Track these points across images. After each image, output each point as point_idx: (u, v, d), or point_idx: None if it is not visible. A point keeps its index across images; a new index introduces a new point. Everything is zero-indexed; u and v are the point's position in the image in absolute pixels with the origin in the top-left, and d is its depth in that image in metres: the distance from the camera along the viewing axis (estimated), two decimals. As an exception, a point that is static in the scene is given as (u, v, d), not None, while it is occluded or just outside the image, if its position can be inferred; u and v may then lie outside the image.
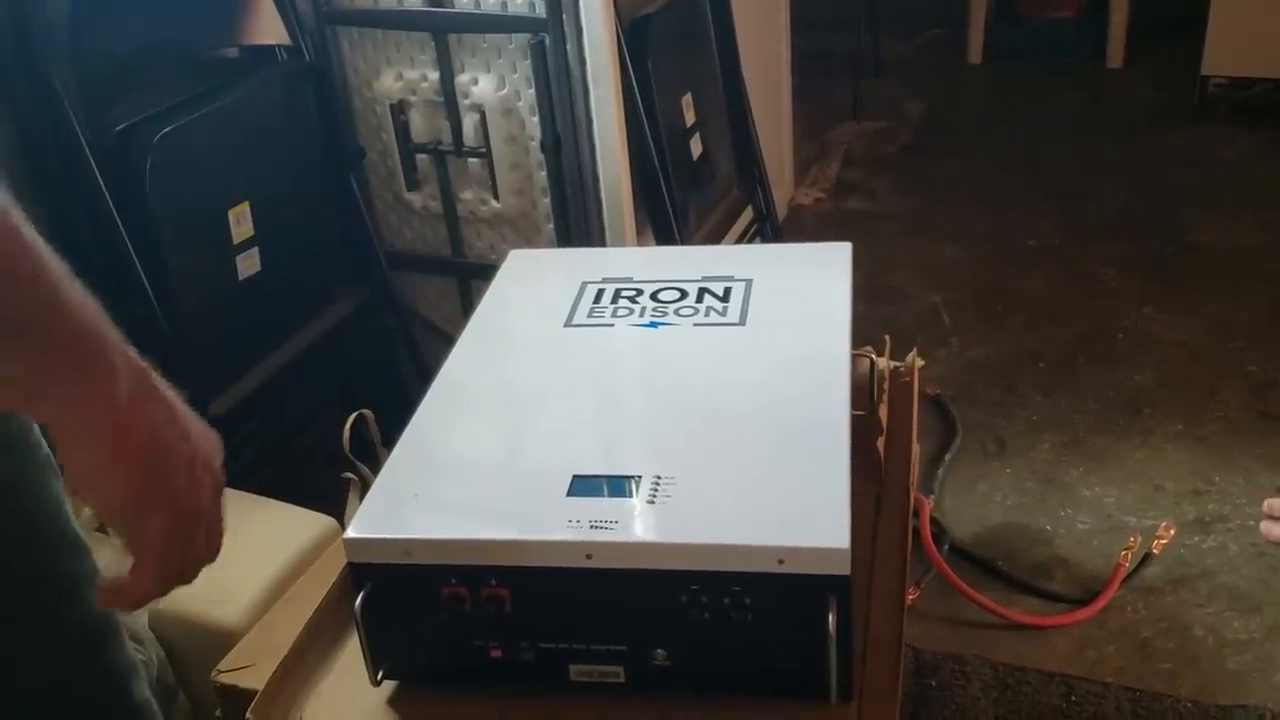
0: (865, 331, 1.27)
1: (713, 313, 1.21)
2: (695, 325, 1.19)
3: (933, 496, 2.10)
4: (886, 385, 1.33)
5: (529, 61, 1.90)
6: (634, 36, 2.08)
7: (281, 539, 1.51)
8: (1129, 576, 1.90)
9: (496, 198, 2.05)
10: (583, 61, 1.89)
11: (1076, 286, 2.79)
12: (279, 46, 1.92)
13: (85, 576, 0.83)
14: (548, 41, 1.88)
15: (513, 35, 1.91)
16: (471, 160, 2.04)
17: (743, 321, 1.19)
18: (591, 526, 0.92)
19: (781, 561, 0.88)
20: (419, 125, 2.04)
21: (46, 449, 0.81)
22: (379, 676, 0.99)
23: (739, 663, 0.94)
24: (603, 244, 2.03)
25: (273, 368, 1.89)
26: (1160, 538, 1.95)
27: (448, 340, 1.23)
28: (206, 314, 1.73)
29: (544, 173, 1.99)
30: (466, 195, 2.09)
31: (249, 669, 1.12)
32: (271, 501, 1.59)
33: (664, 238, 2.17)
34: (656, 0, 2.20)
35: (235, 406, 1.78)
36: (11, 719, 0.83)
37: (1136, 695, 1.68)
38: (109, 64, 1.65)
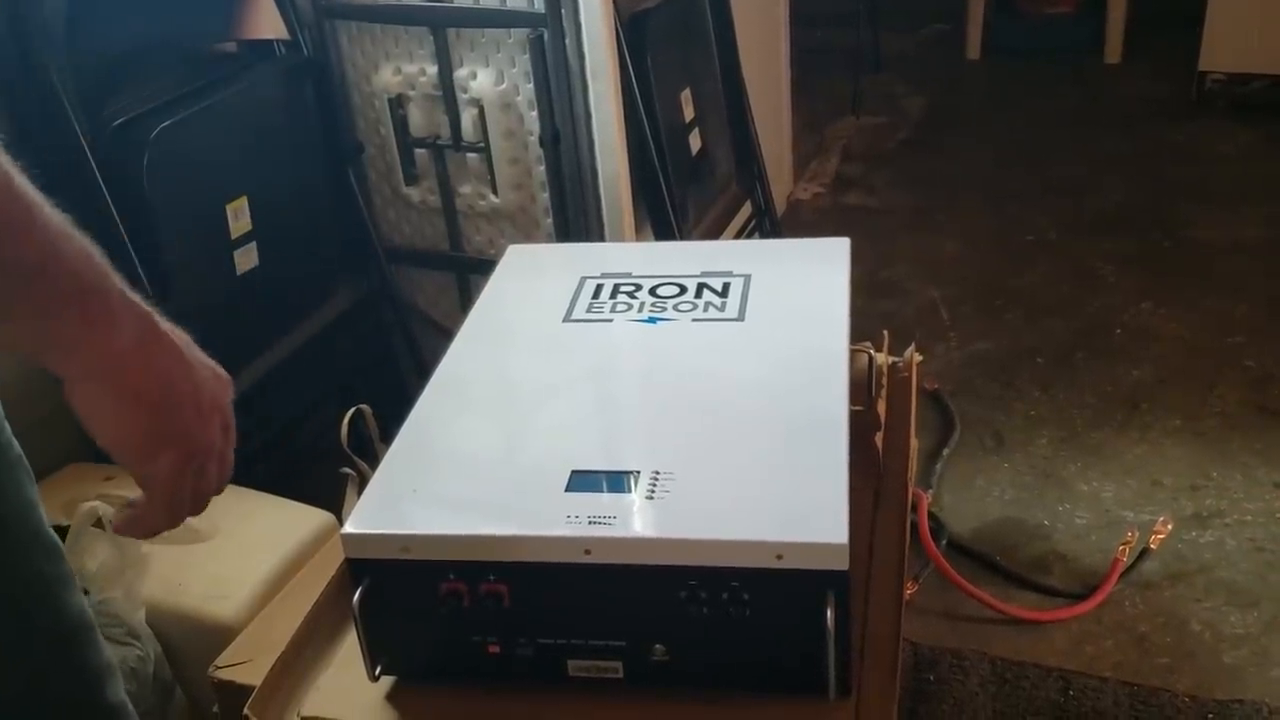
0: (864, 327, 1.27)
1: (711, 308, 1.21)
2: (694, 320, 1.19)
3: (931, 491, 2.10)
4: (885, 380, 1.33)
5: (528, 56, 1.90)
6: (633, 31, 2.08)
7: (279, 534, 1.51)
8: (1127, 571, 1.90)
9: (495, 192, 2.05)
10: (581, 56, 1.89)
11: (1075, 281, 2.79)
12: (277, 41, 1.92)
13: (58, 578, 0.83)
14: (546, 36, 1.87)
15: (511, 30, 1.91)
16: (470, 155, 2.04)
17: (741, 317, 1.19)
18: (590, 522, 0.92)
19: (780, 557, 0.88)
20: (417, 120, 2.04)
21: (18, 449, 0.81)
22: (377, 672, 0.99)
23: (737, 658, 0.94)
24: (601, 239, 2.02)
25: (270, 363, 1.89)
26: (1158, 533, 1.96)
27: (446, 335, 1.23)
28: (204, 309, 1.73)
29: (543, 167, 1.99)
30: (465, 190, 2.08)
31: (246, 664, 1.12)
32: (269, 496, 1.59)
33: (663, 233, 2.17)
34: (655, -5, 2.19)
35: (233, 401, 1.77)
36: None
37: (1134, 690, 1.68)
38: (106, 58, 1.65)
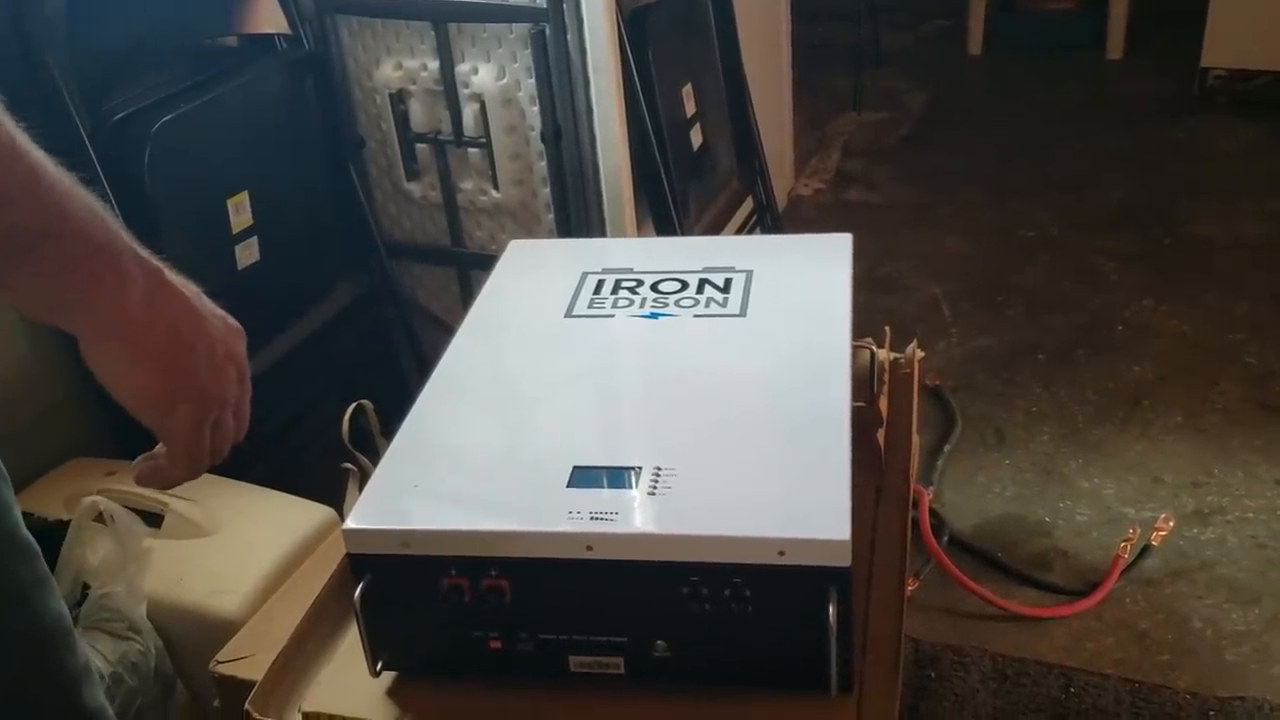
0: (865, 323, 1.26)
1: (713, 304, 1.21)
2: (696, 316, 1.19)
3: (932, 488, 2.10)
4: (887, 377, 1.33)
5: (529, 51, 1.90)
6: (634, 26, 2.08)
7: (281, 530, 1.51)
8: (1128, 568, 1.90)
9: (496, 188, 2.05)
10: (583, 51, 1.89)
11: (1076, 278, 2.79)
12: (278, 35, 1.92)
13: (34, 581, 0.82)
14: (548, 31, 1.87)
15: (513, 25, 1.91)
16: (471, 150, 2.03)
17: (743, 313, 1.19)
18: (592, 518, 0.91)
19: (782, 553, 0.88)
20: (418, 115, 2.04)
21: None
22: (378, 667, 0.99)
23: (739, 654, 0.94)
24: (603, 234, 2.02)
25: (271, 358, 1.89)
26: (1159, 529, 1.96)
27: (447, 330, 1.23)
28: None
29: (544, 163, 1.99)
30: (466, 185, 2.08)
31: (248, 659, 1.12)
32: (270, 492, 1.59)
33: (664, 228, 2.17)
34: (657, -10, 2.19)
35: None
36: None
37: (1135, 687, 1.68)
38: (107, 53, 1.65)
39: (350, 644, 1.05)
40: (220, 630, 1.29)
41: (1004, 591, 1.88)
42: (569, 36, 1.88)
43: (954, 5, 4.28)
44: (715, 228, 2.41)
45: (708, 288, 1.24)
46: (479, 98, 1.97)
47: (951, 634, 1.81)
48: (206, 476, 1.64)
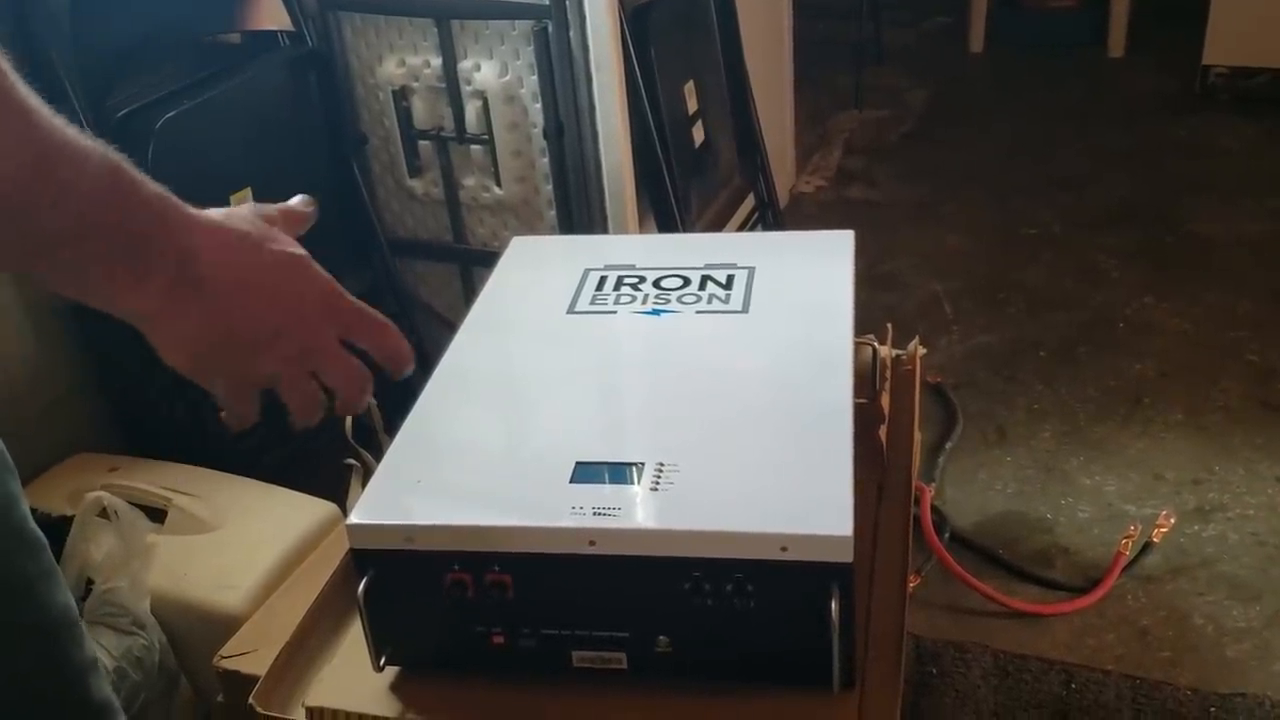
0: (867, 320, 1.26)
1: (715, 300, 1.21)
2: (698, 313, 1.19)
3: (934, 485, 2.10)
4: (888, 374, 1.33)
5: (532, 48, 1.90)
6: (637, 23, 2.08)
7: (284, 525, 1.51)
8: (1129, 565, 1.90)
9: (499, 184, 2.05)
10: (585, 48, 1.89)
11: (1077, 275, 2.79)
12: (281, 32, 1.92)
13: (41, 575, 0.83)
14: (551, 28, 1.87)
15: (515, 22, 1.91)
16: (474, 147, 2.04)
17: (745, 309, 1.19)
18: (594, 513, 0.91)
19: (784, 549, 0.88)
20: (421, 112, 2.04)
21: (0, 445, 0.81)
22: (381, 662, 0.99)
23: (741, 650, 0.94)
24: (605, 231, 2.03)
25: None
26: (1160, 526, 1.96)
27: (450, 327, 1.23)
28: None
29: (546, 160, 1.99)
30: (469, 182, 2.08)
31: (251, 654, 1.12)
32: (274, 488, 1.59)
33: (666, 225, 2.17)
34: (659, -13, 2.19)
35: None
36: None
37: (1136, 683, 1.68)
38: (110, 50, 1.65)
39: (353, 639, 1.05)
40: (224, 625, 1.29)
41: (1005, 588, 1.88)
42: (571, 33, 1.88)
43: (955, 2, 4.27)
44: (717, 224, 2.41)
45: (710, 284, 1.24)
46: (481, 94, 1.97)
47: (953, 630, 1.81)
48: (210, 472, 1.65)
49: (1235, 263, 2.79)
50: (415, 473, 1.00)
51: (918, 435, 1.33)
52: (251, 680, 1.02)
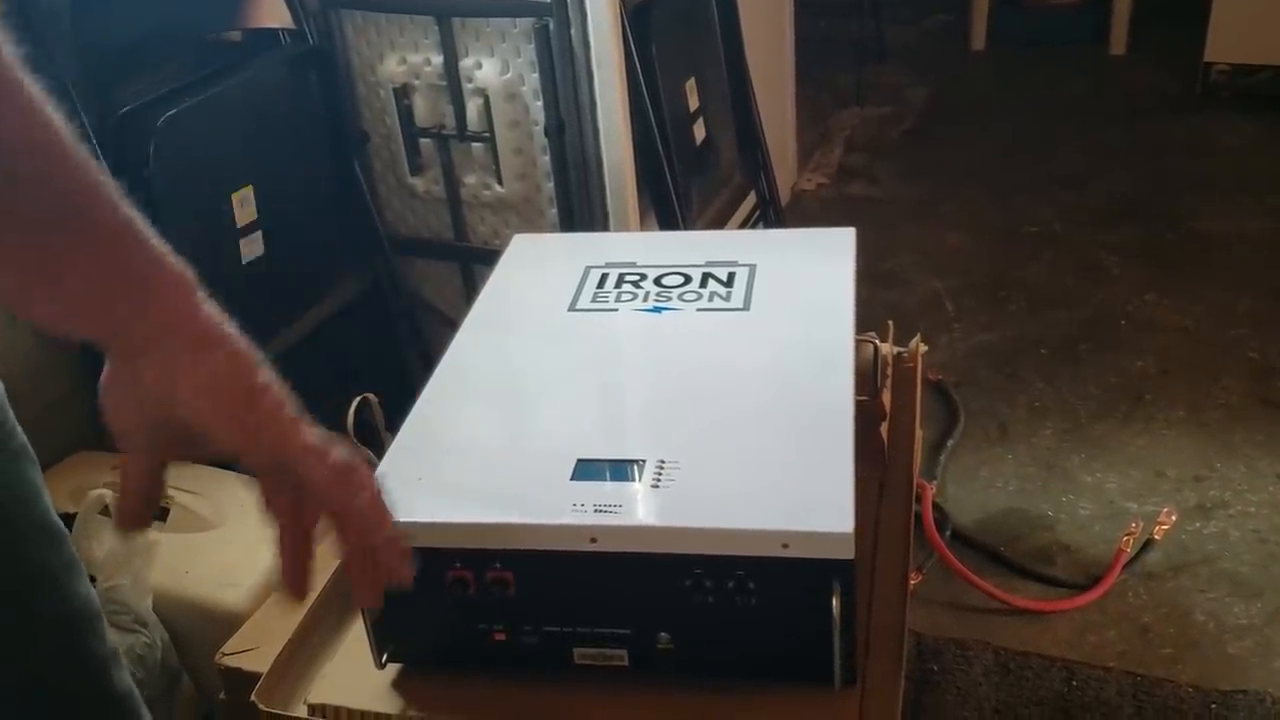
0: (868, 317, 1.27)
1: (716, 298, 1.21)
2: (699, 310, 1.19)
3: (935, 482, 2.10)
4: (890, 371, 1.33)
5: (533, 46, 1.90)
6: (638, 21, 2.08)
7: (285, 523, 1.51)
8: (1130, 562, 1.90)
9: (500, 182, 2.05)
10: (586, 46, 1.89)
11: (1079, 272, 2.79)
12: (282, 30, 1.92)
13: (63, 566, 0.83)
14: (551, 25, 1.87)
15: (517, 19, 1.91)
16: (475, 145, 2.04)
17: (746, 307, 1.19)
18: (595, 510, 0.92)
19: (786, 546, 0.88)
20: (422, 110, 2.04)
21: (21, 437, 0.81)
22: (383, 660, 0.99)
23: (742, 647, 0.95)
24: (606, 229, 2.02)
25: (276, 352, 1.86)
26: (1161, 523, 1.96)
27: (451, 325, 1.23)
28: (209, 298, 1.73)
29: (547, 157, 1.99)
30: (470, 180, 2.08)
31: (253, 652, 1.12)
32: (275, 485, 1.59)
33: (667, 223, 2.17)
34: (660, -15, 2.19)
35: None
36: None
37: (1137, 680, 1.68)
38: (112, 47, 1.65)
39: (355, 636, 1.05)
40: (226, 623, 1.29)
41: (1006, 585, 1.88)
42: (572, 31, 1.88)
43: (957, 0, 4.27)
44: (718, 222, 2.41)
45: (711, 282, 1.24)
46: (482, 92, 1.97)
47: (954, 628, 1.81)
48: (211, 470, 1.65)
49: (1236, 260, 2.79)
50: (417, 470, 1.00)
51: (919, 433, 1.33)
52: (253, 678, 1.02)
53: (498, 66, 1.96)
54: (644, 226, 2.12)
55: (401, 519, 0.94)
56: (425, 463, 1.02)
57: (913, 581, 1.67)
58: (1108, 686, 1.68)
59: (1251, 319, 2.54)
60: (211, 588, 1.42)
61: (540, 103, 1.94)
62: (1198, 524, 2.00)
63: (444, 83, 2.00)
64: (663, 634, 0.95)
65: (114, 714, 0.88)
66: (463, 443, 1.06)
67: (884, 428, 1.26)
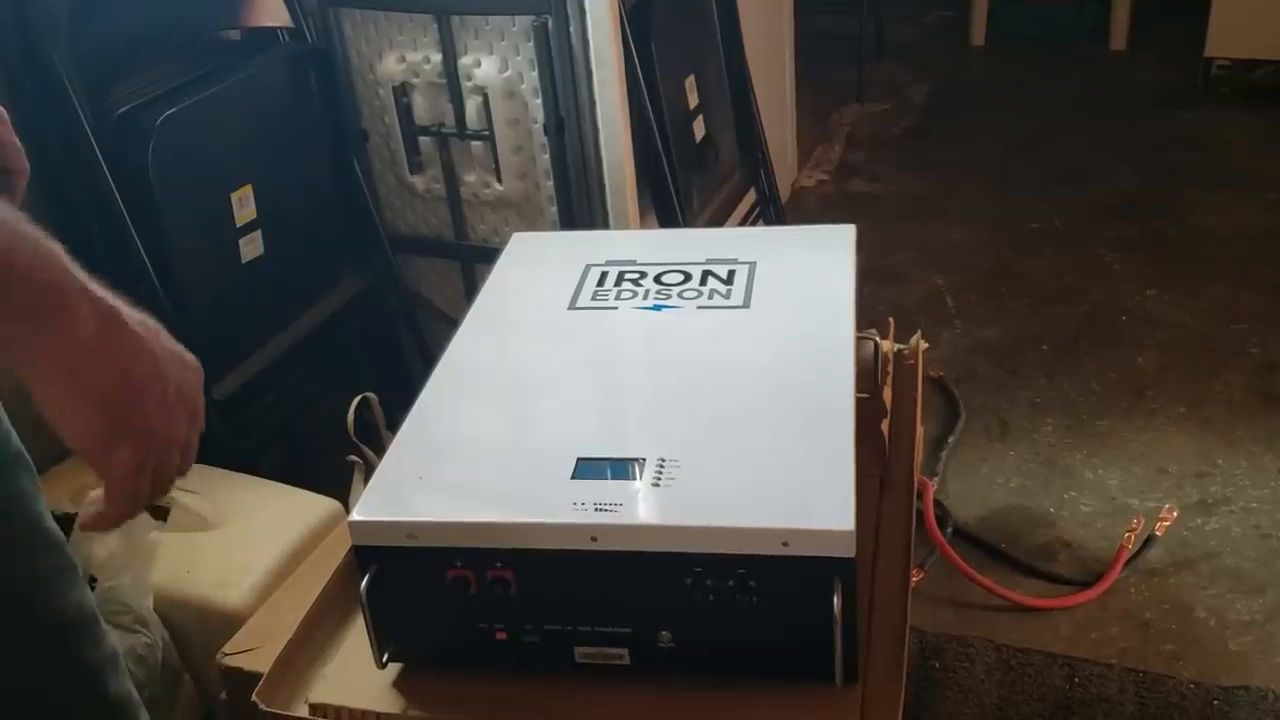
0: (869, 314, 1.27)
1: (716, 295, 1.21)
2: (699, 308, 1.19)
3: (936, 479, 2.10)
4: (890, 368, 1.33)
5: (532, 44, 1.90)
6: (637, 19, 2.08)
7: (286, 522, 1.51)
8: (1132, 558, 1.90)
9: (499, 180, 2.05)
10: (586, 43, 1.88)
11: (1079, 269, 2.79)
12: (281, 29, 1.92)
13: (59, 571, 0.83)
14: (551, 23, 1.87)
15: (516, 17, 1.91)
16: (474, 143, 2.03)
17: (747, 304, 1.19)
18: (596, 509, 0.92)
19: (786, 544, 0.88)
20: (422, 108, 2.04)
21: (17, 443, 0.81)
22: (384, 659, 0.99)
23: (744, 645, 0.94)
24: (606, 227, 2.02)
25: (276, 351, 1.89)
26: (1163, 520, 1.96)
27: (451, 323, 1.23)
28: (210, 297, 1.73)
29: (547, 155, 1.99)
30: (469, 178, 2.08)
31: (254, 651, 1.12)
32: (276, 484, 1.59)
33: (667, 220, 2.17)
34: (659, -18, 2.19)
35: (239, 390, 1.78)
36: None
37: (1139, 676, 1.68)
38: (110, 47, 1.65)
39: (356, 636, 1.05)
40: (227, 623, 1.29)
41: (1008, 582, 1.88)
42: (572, 29, 1.87)
43: (957, -4, 4.28)
44: (718, 219, 2.41)
45: (711, 279, 1.24)
46: (482, 90, 1.97)
47: (956, 624, 1.81)
48: (212, 470, 1.65)
49: (1237, 255, 2.79)
50: (417, 469, 1.00)
51: (920, 429, 1.33)
52: (254, 677, 1.02)
53: (497, 64, 1.95)
54: (644, 224, 2.12)
55: (402, 518, 0.95)
56: (425, 461, 1.02)
57: (914, 579, 1.67)
58: (1109, 683, 1.68)
59: (1252, 314, 2.54)
60: (212, 588, 1.42)
61: (540, 100, 1.94)
62: (1199, 520, 1.99)
63: (443, 81, 2.00)
64: (664, 632, 0.95)
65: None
66: (463, 441, 1.06)
67: (885, 425, 1.26)
